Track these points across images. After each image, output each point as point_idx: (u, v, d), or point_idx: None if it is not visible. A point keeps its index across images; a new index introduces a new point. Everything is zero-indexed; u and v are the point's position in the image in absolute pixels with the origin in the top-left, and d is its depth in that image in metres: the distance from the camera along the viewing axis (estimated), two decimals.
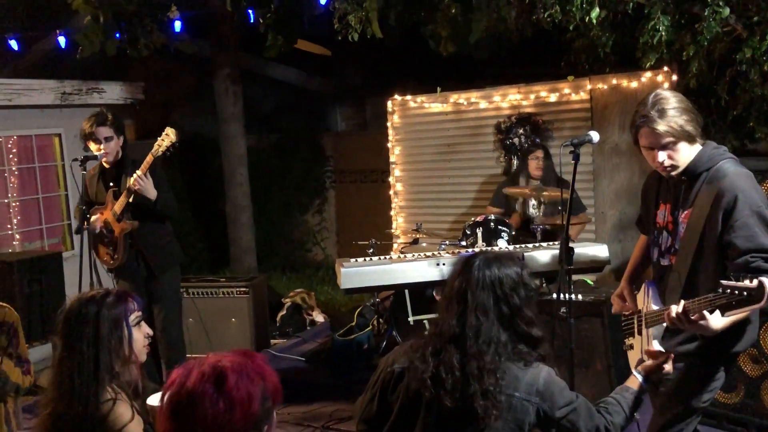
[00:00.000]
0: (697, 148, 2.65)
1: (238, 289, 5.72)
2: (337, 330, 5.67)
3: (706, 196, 2.59)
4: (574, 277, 3.69)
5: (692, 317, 2.38)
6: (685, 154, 2.63)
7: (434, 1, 4.42)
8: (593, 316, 4.14)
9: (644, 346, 2.82)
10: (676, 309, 2.44)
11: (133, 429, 2.14)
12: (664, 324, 2.65)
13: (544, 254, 4.38)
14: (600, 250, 4.39)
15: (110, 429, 2.09)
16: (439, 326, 2.27)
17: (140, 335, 2.31)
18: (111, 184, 4.49)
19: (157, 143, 4.29)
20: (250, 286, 5.73)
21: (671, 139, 2.58)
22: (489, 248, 2.43)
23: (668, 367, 2.46)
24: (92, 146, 4.43)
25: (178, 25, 5.14)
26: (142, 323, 2.34)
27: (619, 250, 5.88)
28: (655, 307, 2.77)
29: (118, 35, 4.31)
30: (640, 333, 2.89)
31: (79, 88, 6.56)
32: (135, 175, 4.24)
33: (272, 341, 5.99)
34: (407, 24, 4.79)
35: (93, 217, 4.45)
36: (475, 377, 2.14)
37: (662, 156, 2.62)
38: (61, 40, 5.07)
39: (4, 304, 3.43)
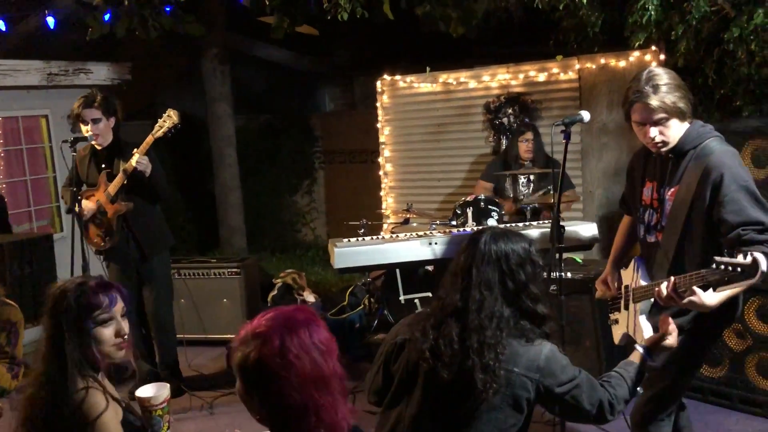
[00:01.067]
0: (685, 126, 2.69)
1: (229, 270, 5.74)
2: (329, 310, 5.71)
3: (693, 173, 2.63)
4: (563, 255, 3.75)
5: (683, 293, 2.43)
6: (676, 130, 2.66)
7: None
8: (582, 293, 4.20)
9: (630, 320, 2.87)
10: (665, 285, 2.48)
11: (109, 417, 2.07)
12: (652, 299, 2.72)
13: (533, 233, 4.43)
14: (589, 229, 4.44)
15: (84, 418, 2.04)
16: (442, 300, 2.29)
17: (108, 333, 2.16)
18: (103, 165, 4.47)
19: (158, 124, 4.28)
20: (242, 266, 5.74)
21: (664, 115, 2.61)
22: (496, 225, 2.44)
23: (672, 339, 2.47)
24: (82, 127, 4.41)
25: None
26: (116, 320, 2.19)
27: (606, 228, 5.94)
28: (643, 283, 2.82)
29: (107, 16, 4.27)
30: (626, 308, 2.95)
31: (66, 69, 6.50)
32: (135, 158, 4.22)
33: None
34: (413, 6, 4.77)
35: (84, 201, 4.43)
36: (475, 351, 2.16)
37: (654, 132, 2.65)
38: (50, 21, 5.00)
39: (12, 303, 3.43)
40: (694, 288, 2.40)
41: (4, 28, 5.19)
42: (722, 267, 2.25)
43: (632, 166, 3.03)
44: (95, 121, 4.34)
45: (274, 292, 6.43)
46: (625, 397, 2.34)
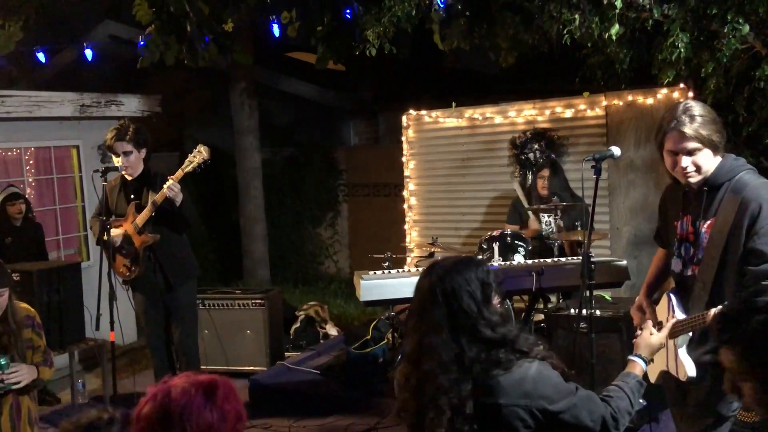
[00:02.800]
0: (718, 159, 2.69)
1: (253, 301, 5.73)
2: (351, 343, 5.66)
3: (729, 206, 2.63)
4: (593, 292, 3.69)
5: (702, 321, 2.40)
6: (708, 162, 2.66)
7: (495, 14, 4.46)
8: (611, 331, 4.13)
9: (670, 356, 2.81)
10: (716, 310, 2.42)
11: None
12: (690, 333, 2.68)
13: (561, 269, 4.39)
14: (618, 266, 4.39)
15: None
16: (406, 348, 2.19)
17: None
18: (132, 196, 4.53)
19: (188, 159, 4.34)
20: (266, 298, 5.74)
21: (698, 144, 2.62)
22: (447, 257, 2.31)
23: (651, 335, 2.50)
24: (114, 158, 4.48)
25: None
26: None
27: (634, 266, 5.86)
28: (681, 317, 2.76)
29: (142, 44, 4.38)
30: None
31: (98, 101, 6.63)
32: (168, 183, 4.25)
33: (286, 354, 6.00)
34: (465, 40, 4.81)
35: (113, 231, 4.47)
36: (430, 400, 2.04)
37: (686, 161, 2.65)
38: (88, 53, 5.13)
39: (18, 301, 3.39)
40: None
41: (43, 60, 5.33)
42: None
43: (664, 200, 3.02)
44: (126, 154, 4.40)
45: (297, 325, 6.42)
46: (628, 409, 2.21)
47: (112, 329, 4.47)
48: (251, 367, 5.61)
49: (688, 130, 2.61)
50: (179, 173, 4.32)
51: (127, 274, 4.57)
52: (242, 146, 8.11)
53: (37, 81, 6.84)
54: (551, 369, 2.12)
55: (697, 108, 2.67)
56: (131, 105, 6.94)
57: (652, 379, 2.96)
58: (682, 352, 2.72)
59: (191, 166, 4.32)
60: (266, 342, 5.68)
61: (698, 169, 2.67)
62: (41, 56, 5.25)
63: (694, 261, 2.77)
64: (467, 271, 2.13)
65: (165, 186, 4.26)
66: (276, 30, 4.25)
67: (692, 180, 2.69)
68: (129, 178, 4.54)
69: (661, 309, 2.95)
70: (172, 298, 4.61)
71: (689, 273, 2.79)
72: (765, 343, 1.69)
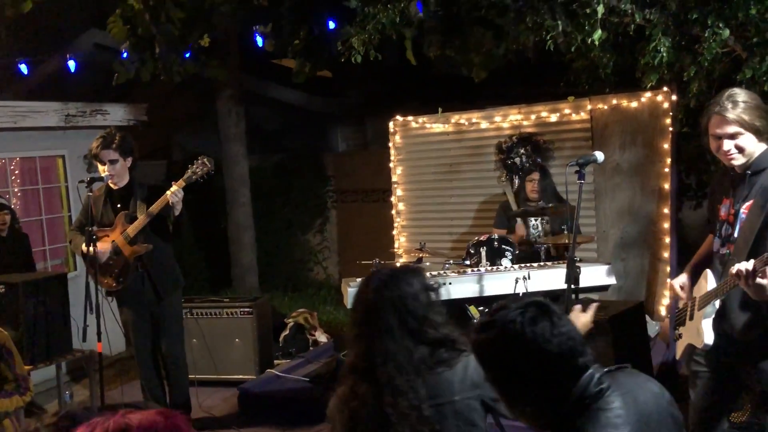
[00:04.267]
0: (763, 146, 2.80)
1: (242, 310, 5.71)
2: (341, 350, 5.66)
3: (766, 189, 2.74)
4: (579, 296, 3.71)
5: (759, 274, 2.48)
6: (751, 146, 2.77)
7: (466, 29, 4.51)
8: (599, 335, 4.14)
9: (694, 329, 2.91)
10: (745, 265, 2.52)
11: None
12: (717, 303, 2.81)
13: (548, 273, 4.41)
14: (604, 270, 4.42)
15: None
16: (351, 357, 2.21)
17: None
18: (119, 206, 4.50)
19: (192, 170, 4.32)
20: (254, 306, 5.72)
21: (739, 129, 2.73)
22: (383, 268, 2.39)
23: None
24: (99, 167, 4.45)
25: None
26: None
27: (621, 269, 5.89)
28: (710, 289, 2.87)
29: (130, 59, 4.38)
30: (691, 318, 2.98)
31: (83, 110, 6.60)
32: (173, 189, 4.23)
33: (276, 362, 5.98)
34: (441, 52, 4.87)
35: (99, 244, 4.40)
36: (390, 404, 2.08)
37: (728, 144, 2.76)
38: (71, 64, 5.11)
39: None
40: (767, 269, 2.44)
41: (25, 72, 5.30)
42: None
43: (713, 186, 3.14)
44: (112, 162, 4.38)
45: (286, 332, 6.40)
46: None
47: (99, 340, 4.45)
48: (240, 376, 5.60)
49: (730, 114, 2.72)
50: (181, 182, 4.28)
51: (114, 285, 4.52)
52: (229, 154, 8.10)
53: (21, 91, 6.80)
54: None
55: (741, 94, 2.78)
56: (117, 114, 6.92)
57: (678, 355, 3.09)
58: (706, 322, 2.83)
59: (194, 176, 4.30)
60: (255, 350, 5.66)
61: (741, 152, 2.78)
62: (23, 68, 5.22)
63: (730, 240, 2.87)
64: (409, 278, 2.24)
65: (169, 192, 4.23)
66: (259, 40, 4.27)
67: (735, 162, 2.80)
68: (114, 187, 4.51)
69: (698, 287, 3.03)
70: (161, 308, 4.58)
71: (725, 251, 2.89)
72: None
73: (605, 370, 1.72)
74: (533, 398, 1.68)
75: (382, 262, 5.61)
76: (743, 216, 2.81)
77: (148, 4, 3.99)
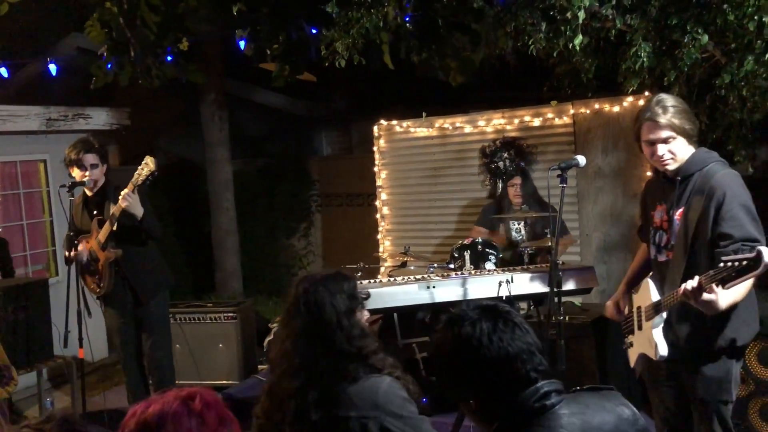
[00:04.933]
0: (691, 149, 2.84)
1: (225, 315, 5.69)
2: None
3: (698, 194, 2.78)
4: (562, 299, 3.73)
5: (706, 291, 2.51)
6: (682, 150, 2.82)
7: (443, 34, 4.52)
8: (582, 337, 4.18)
9: (644, 338, 2.93)
10: (691, 283, 2.56)
11: None
12: (664, 314, 2.84)
13: (531, 277, 4.43)
14: (588, 273, 4.45)
15: None
16: (271, 356, 2.23)
17: None
18: (95, 212, 4.50)
19: (137, 172, 4.28)
20: (238, 311, 5.70)
21: (671, 133, 2.79)
22: (320, 271, 2.39)
23: None
24: (75, 172, 4.42)
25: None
26: None
27: (604, 271, 5.93)
28: (655, 300, 2.88)
29: (109, 65, 4.35)
30: (640, 328, 3.00)
31: (65, 114, 6.55)
32: (122, 193, 4.22)
33: (260, 367, 5.96)
34: (418, 56, 4.88)
35: (80, 247, 4.44)
36: (278, 402, 2.09)
37: (662, 149, 2.82)
38: (52, 68, 5.06)
39: None
40: (713, 285, 2.48)
41: (6, 75, 5.25)
42: (729, 264, 2.41)
43: (644, 193, 3.17)
44: (93, 167, 4.38)
45: (271, 337, 6.37)
46: None
47: (81, 346, 4.42)
48: (224, 381, 5.57)
49: (662, 119, 2.77)
50: (130, 186, 4.25)
51: (97, 290, 4.55)
52: (213, 158, 8.06)
53: (1, 95, 6.73)
54: (402, 388, 2.15)
55: (670, 99, 2.84)
56: (99, 118, 6.88)
57: (632, 363, 3.09)
58: (657, 332, 2.85)
59: (140, 179, 4.23)
60: (239, 355, 5.64)
61: (674, 156, 2.82)
62: (3, 71, 5.17)
63: (667, 247, 2.90)
64: (334, 284, 2.21)
65: (120, 197, 4.22)
66: (242, 44, 4.27)
67: (669, 167, 2.85)
68: (89, 193, 4.52)
69: (640, 296, 3.05)
70: (143, 312, 4.56)
71: (663, 259, 2.93)
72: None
73: (574, 389, 1.74)
74: (482, 400, 1.70)
75: (366, 266, 5.61)
76: (677, 222, 2.84)
77: (123, 8, 3.98)
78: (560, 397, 1.67)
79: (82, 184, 4.45)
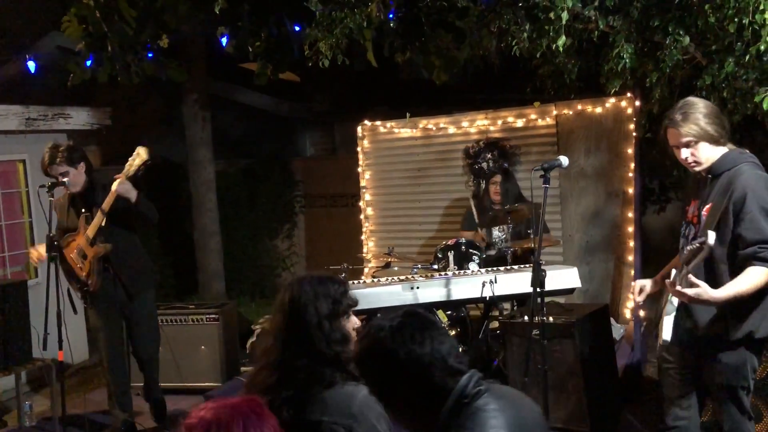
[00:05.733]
0: (722, 150, 2.95)
1: (207, 316, 5.64)
2: None
3: (723, 193, 2.89)
4: (545, 299, 3.74)
5: (678, 285, 2.70)
6: (707, 153, 2.93)
7: (427, 32, 4.53)
8: (565, 337, 4.18)
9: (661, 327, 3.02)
10: (668, 281, 2.74)
11: None
12: (674, 301, 2.95)
13: (515, 277, 4.44)
14: (570, 273, 4.46)
15: None
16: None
17: None
18: (83, 210, 4.49)
19: (128, 163, 4.29)
20: (220, 312, 5.65)
21: (691, 138, 2.91)
22: (314, 273, 2.38)
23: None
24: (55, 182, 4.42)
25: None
26: None
27: (586, 272, 5.96)
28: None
29: (89, 62, 4.28)
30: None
31: (45, 114, 6.46)
32: (117, 181, 4.24)
33: (242, 369, 5.91)
34: (393, 53, 4.88)
35: (66, 250, 4.45)
36: (276, 408, 2.04)
37: (685, 153, 2.95)
38: (31, 65, 4.99)
39: None
40: (690, 277, 2.66)
41: None
42: (689, 248, 2.67)
43: (687, 189, 3.33)
44: (63, 175, 4.38)
45: (253, 339, 6.33)
46: None
47: (60, 348, 4.37)
48: (206, 383, 5.52)
49: (681, 126, 2.91)
50: (123, 176, 4.28)
51: (85, 288, 4.52)
52: (195, 159, 8.00)
53: None
54: (377, 402, 2.09)
55: (692, 104, 2.95)
56: (80, 118, 6.79)
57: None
58: (666, 319, 2.95)
59: (132, 169, 4.28)
60: (221, 357, 5.59)
61: (698, 160, 2.94)
62: None
63: (694, 239, 2.96)
64: (322, 286, 2.21)
65: (114, 184, 4.23)
66: (224, 41, 4.23)
67: (696, 168, 2.99)
68: (75, 191, 4.50)
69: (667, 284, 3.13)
70: (133, 308, 4.59)
71: (702, 238, 2.97)
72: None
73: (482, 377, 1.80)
74: (407, 402, 1.76)
75: (351, 267, 5.60)
76: (704, 218, 2.94)
77: (100, 2, 3.92)
78: (488, 398, 1.73)
79: (62, 184, 4.45)
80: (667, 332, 2.94)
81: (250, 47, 4.05)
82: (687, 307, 2.93)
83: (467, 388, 1.71)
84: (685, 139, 2.93)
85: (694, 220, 3.04)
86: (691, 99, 3.02)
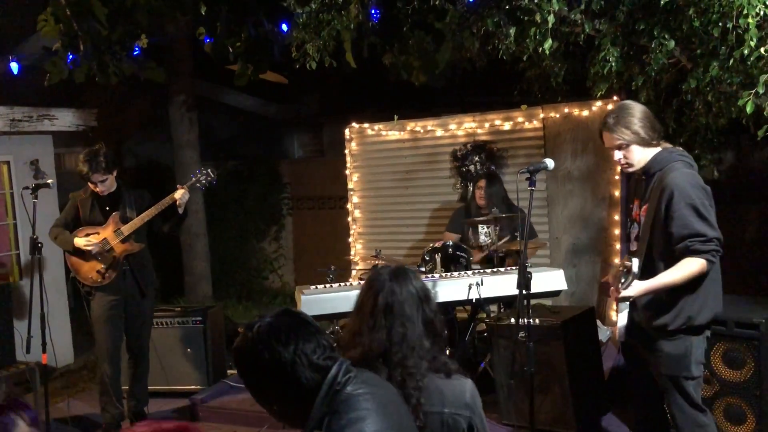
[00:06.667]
0: (653, 151, 3.08)
1: (193, 319, 5.61)
2: None
3: (656, 192, 3.03)
4: (532, 301, 3.75)
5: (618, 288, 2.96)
6: (639, 155, 3.07)
7: (406, 32, 4.53)
8: (551, 340, 4.19)
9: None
10: (612, 289, 3.03)
11: None
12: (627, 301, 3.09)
13: (501, 279, 4.45)
14: (556, 275, 4.47)
15: None
16: (365, 345, 2.24)
17: None
18: (107, 208, 4.72)
19: (196, 178, 4.91)
20: (206, 315, 5.62)
21: (622, 141, 3.05)
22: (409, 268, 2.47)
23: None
24: (91, 185, 4.64)
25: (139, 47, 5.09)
26: None
27: (573, 274, 5.98)
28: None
29: (69, 61, 4.24)
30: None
31: (30, 115, 6.41)
32: (180, 191, 4.71)
33: (229, 371, 5.88)
34: (380, 55, 4.88)
35: (90, 238, 4.61)
36: (398, 384, 2.14)
37: (617, 155, 3.10)
38: (14, 66, 4.94)
39: None
40: (618, 287, 2.94)
41: None
42: (620, 268, 2.93)
43: (628, 188, 3.42)
44: (103, 182, 4.61)
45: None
46: None
47: (44, 351, 4.34)
48: (192, 386, 5.49)
49: (612, 129, 3.05)
50: (186, 188, 4.79)
51: (100, 280, 4.64)
52: (182, 160, 7.96)
53: None
54: None
55: (625, 108, 3.08)
56: (65, 119, 6.73)
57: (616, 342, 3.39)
58: (620, 317, 3.09)
59: (199, 184, 4.90)
60: (207, 360, 5.56)
61: (629, 161, 3.08)
62: None
63: (637, 239, 3.17)
64: (420, 281, 2.38)
65: (178, 193, 4.69)
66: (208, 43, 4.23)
67: (629, 170, 3.14)
68: (102, 193, 4.70)
69: None
70: (141, 305, 4.81)
71: (634, 248, 3.18)
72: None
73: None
74: (282, 400, 1.83)
75: (337, 269, 5.58)
76: (642, 217, 3.10)
77: (70, 0, 3.89)
78: (357, 383, 1.82)
79: (46, 185, 4.60)
80: (619, 329, 3.10)
81: (230, 48, 4.04)
82: (635, 303, 3.08)
83: (338, 376, 1.81)
84: (617, 142, 3.06)
85: (637, 218, 3.17)
86: (625, 103, 3.16)
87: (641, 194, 3.15)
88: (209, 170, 4.93)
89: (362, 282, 4.72)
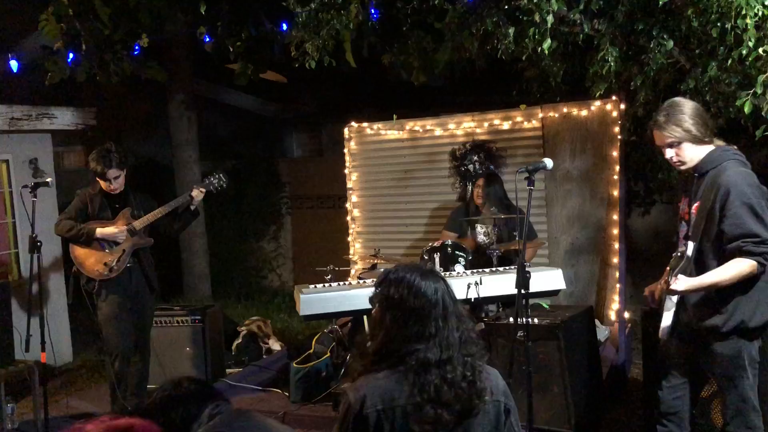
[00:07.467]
0: (707, 148, 3.06)
1: (192, 318, 5.62)
2: (294, 358, 5.61)
3: (709, 190, 3.01)
4: (530, 301, 3.75)
5: (664, 285, 2.96)
6: (691, 153, 3.05)
7: (405, 32, 4.55)
8: (549, 339, 4.20)
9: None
10: (663, 282, 3.03)
11: None
12: (674, 298, 3.11)
13: (500, 279, 4.45)
14: (555, 275, 4.48)
15: None
16: (418, 351, 2.11)
17: None
18: (117, 205, 4.83)
19: (209, 180, 4.99)
20: (205, 314, 5.63)
21: (674, 139, 3.02)
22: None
23: None
24: (101, 183, 4.73)
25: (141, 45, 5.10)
26: None
27: (572, 274, 5.99)
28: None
29: (70, 60, 4.25)
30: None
31: (29, 114, 6.41)
32: (198, 190, 4.88)
33: (228, 371, 5.89)
34: (379, 54, 4.90)
35: (106, 229, 4.70)
36: (469, 382, 2.10)
37: (669, 153, 3.07)
38: (13, 65, 4.94)
39: None
40: (671, 278, 2.91)
41: None
42: (674, 254, 2.89)
43: (677, 186, 3.47)
44: (117, 178, 4.70)
45: (239, 341, 6.31)
46: None
47: (43, 350, 4.34)
48: None
49: (663, 127, 3.02)
50: (203, 188, 4.94)
51: (107, 273, 4.68)
52: (181, 159, 7.97)
53: None
54: None
55: (676, 105, 3.05)
56: (65, 118, 6.74)
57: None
58: (666, 315, 3.10)
59: (212, 186, 4.97)
60: (206, 359, 5.57)
61: (682, 159, 3.06)
62: None
63: (686, 238, 3.12)
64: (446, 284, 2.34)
65: (196, 192, 4.86)
66: (207, 40, 4.24)
67: (681, 168, 3.12)
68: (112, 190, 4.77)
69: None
70: (148, 300, 4.92)
71: (682, 249, 3.11)
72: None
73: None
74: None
75: (336, 268, 5.59)
76: (693, 216, 3.06)
77: (73, 0, 3.91)
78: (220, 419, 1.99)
79: (45, 184, 4.55)
80: (663, 327, 3.08)
81: (231, 47, 4.05)
82: (684, 302, 3.06)
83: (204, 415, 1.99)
84: (668, 140, 3.02)
85: (686, 217, 3.14)
86: (676, 100, 3.11)
87: (691, 193, 3.11)
88: (221, 175, 5.04)
89: (362, 281, 4.73)
